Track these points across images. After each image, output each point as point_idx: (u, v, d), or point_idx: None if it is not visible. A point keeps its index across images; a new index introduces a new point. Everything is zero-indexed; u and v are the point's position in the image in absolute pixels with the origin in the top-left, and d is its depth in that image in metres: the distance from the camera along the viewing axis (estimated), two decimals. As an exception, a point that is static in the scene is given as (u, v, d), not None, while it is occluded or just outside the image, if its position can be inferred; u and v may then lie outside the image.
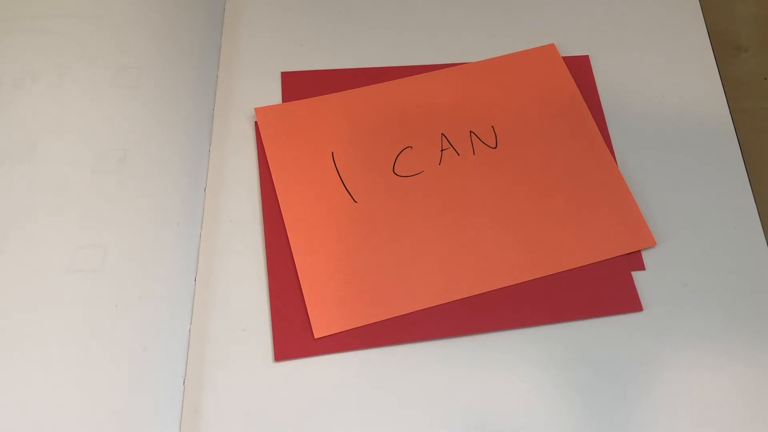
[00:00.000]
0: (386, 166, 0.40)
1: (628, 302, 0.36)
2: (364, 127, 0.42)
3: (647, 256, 0.37)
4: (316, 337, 0.35)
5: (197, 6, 0.46)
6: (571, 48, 0.44)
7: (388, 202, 0.39)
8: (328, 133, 0.41)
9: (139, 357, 0.33)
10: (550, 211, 0.39)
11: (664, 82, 0.43)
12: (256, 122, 0.42)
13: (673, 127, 0.42)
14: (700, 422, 0.33)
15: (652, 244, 0.37)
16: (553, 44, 0.44)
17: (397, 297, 0.36)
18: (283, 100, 0.43)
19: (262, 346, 0.35)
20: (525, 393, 0.34)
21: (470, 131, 0.41)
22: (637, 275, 0.37)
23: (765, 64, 0.47)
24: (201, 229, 0.38)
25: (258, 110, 0.42)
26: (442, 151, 0.41)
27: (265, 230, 0.38)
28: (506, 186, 0.39)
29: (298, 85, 0.43)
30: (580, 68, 0.44)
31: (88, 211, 0.37)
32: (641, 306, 0.36)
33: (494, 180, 0.40)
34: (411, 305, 0.36)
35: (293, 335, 0.35)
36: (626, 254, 0.37)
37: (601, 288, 0.36)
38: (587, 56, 0.44)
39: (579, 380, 0.34)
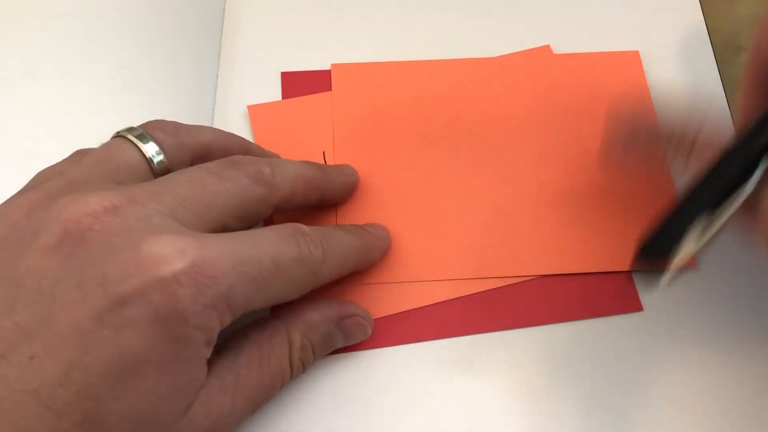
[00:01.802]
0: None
1: (629, 302, 0.36)
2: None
3: (647, 256, 0.37)
4: (316, 336, 0.35)
5: (197, 6, 0.46)
6: (570, 48, 0.44)
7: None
8: (320, 131, 0.41)
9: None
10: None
11: (663, 82, 0.43)
12: (254, 121, 0.42)
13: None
14: (702, 422, 0.33)
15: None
16: (548, 45, 0.44)
17: (398, 297, 0.36)
18: (283, 101, 0.43)
19: (261, 346, 0.35)
20: (525, 393, 0.33)
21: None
22: (636, 275, 0.36)
23: (765, 65, 0.47)
24: (200, 228, 0.38)
25: (251, 108, 0.42)
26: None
27: (263, 230, 0.38)
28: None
29: (298, 86, 0.43)
30: (580, 68, 0.44)
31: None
32: (641, 306, 0.36)
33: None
34: (410, 304, 0.36)
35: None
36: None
37: (601, 288, 0.36)
38: (587, 56, 0.44)
39: (579, 381, 0.34)
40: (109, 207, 0.25)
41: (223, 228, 0.28)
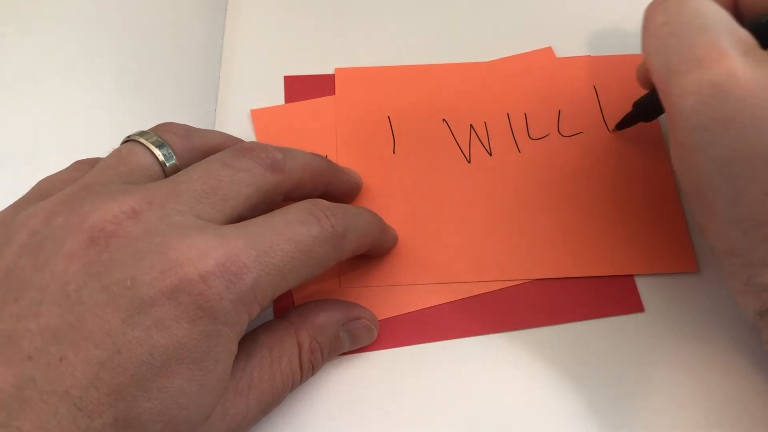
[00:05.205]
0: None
1: (630, 303, 0.36)
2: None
3: (647, 258, 0.37)
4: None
5: (199, 8, 0.46)
6: (573, 51, 0.45)
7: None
8: (323, 135, 0.41)
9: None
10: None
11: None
12: (257, 125, 0.42)
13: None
14: (703, 423, 0.33)
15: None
16: (550, 47, 0.44)
17: (401, 299, 0.36)
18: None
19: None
20: (525, 395, 0.34)
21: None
22: (638, 276, 0.37)
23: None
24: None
25: (254, 112, 0.42)
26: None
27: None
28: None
29: (301, 90, 0.43)
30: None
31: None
32: (642, 307, 0.36)
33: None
34: (413, 307, 0.36)
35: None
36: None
37: (602, 289, 0.37)
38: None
39: (580, 382, 0.34)
40: (129, 212, 0.26)
41: (240, 218, 0.29)
